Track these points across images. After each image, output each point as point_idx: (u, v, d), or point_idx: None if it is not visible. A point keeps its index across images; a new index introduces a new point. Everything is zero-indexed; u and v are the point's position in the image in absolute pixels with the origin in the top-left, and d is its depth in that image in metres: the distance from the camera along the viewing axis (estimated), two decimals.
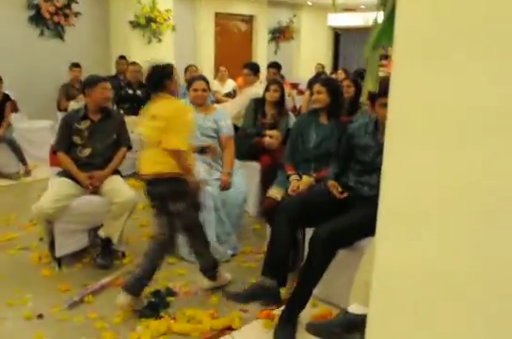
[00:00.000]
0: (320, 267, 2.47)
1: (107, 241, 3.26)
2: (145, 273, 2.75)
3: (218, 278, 3.01)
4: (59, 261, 3.27)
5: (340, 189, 2.76)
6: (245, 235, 3.62)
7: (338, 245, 2.50)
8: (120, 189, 3.29)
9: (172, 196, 2.76)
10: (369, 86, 1.14)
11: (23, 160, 5.59)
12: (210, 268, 2.96)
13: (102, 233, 3.26)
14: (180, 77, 6.91)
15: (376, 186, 1.07)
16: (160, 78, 2.77)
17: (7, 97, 5.69)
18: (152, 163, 2.76)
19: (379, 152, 2.10)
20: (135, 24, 7.77)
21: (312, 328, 2.24)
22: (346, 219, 2.59)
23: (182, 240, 3.37)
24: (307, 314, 2.58)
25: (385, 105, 1.97)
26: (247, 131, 4.19)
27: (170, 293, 2.91)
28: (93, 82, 3.38)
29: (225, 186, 3.42)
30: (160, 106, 2.76)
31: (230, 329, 2.58)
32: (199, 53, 9.69)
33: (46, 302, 2.84)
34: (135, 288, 2.71)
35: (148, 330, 2.54)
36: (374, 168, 2.62)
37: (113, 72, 7.21)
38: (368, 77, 1.14)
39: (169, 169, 2.71)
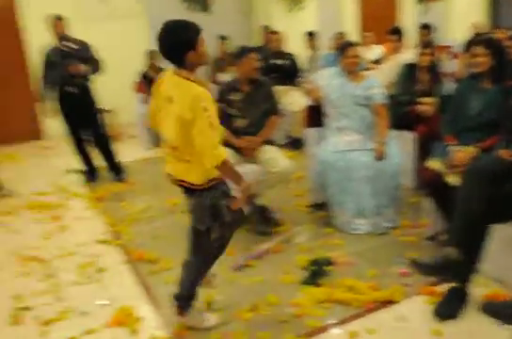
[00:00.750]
0: (483, 238, 2.33)
1: (264, 209, 3.40)
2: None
3: (192, 315, 2.44)
4: None
5: None
6: (402, 209, 3.52)
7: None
8: (277, 158, 3.38)
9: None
10: None
11: None
12: (184, 297, 2.42)
13: (259, 201, 3.40)
14: (321, 45, 6.83)
15: None
16: (178, 46, 2.04)
17: (161, 71, 6.11)
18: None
19: None
20: None
21: (487, 308, 2.13)
22: None
23: (337, 210, 3.40)
24: (477, 294, 2.47)
25: None
26: (399, 99, 4.03)
27: (329, 262, 2.96)
28: (242, 53, 3.45)
29: (379, 157, 3.34)
30: (178, 94, 2.08)
31: (390, 302, 2.56)
32: (342, 19, 9.42)
33: (215, 264, 3.05)
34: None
35: (308, 296, 2.63)
36: None
37: (256, 43, 7.31)
38: None
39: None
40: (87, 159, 4.95)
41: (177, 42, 2.00)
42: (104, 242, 3.49)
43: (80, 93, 4.65)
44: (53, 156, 5.86)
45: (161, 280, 2.90)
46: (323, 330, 2.39)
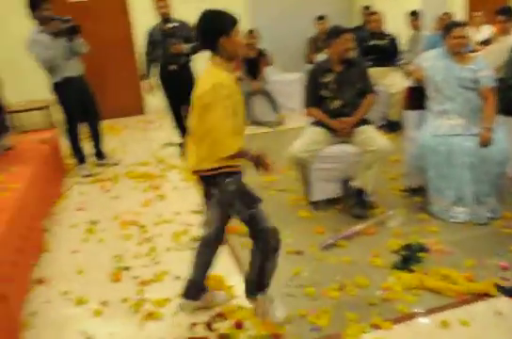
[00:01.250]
0: None
1: (360, 192, 3.34)
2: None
3: (262, 302, 2.36)
4: (315, 204, 3.51)
5: None
6: (505, 199, 3.31)
7: None
8: (374, 137, 3.30)
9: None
10: None
11: (276, 110, 6.04)
12: (254, 286, 2.36)
13: (354, 183, 3.35)
14: (424, 26, 6.48)
15: None
16: (210, 31, 2.03)
17: (262, 52, 6.15)
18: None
19: None
20: None
21: None
22: None
23: (434, 197, 3.27)
24: None
25: None
26: (508, 82, 3.75)
27: (422, 249, 2.87)
28: (336, 33, 3.38)
29: (484, 143, 3.15)
30: (202, 79, 2.11)
31: (486, 295, 2.44)
32: None
33: (304, 241, 3.09)
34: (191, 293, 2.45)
35: (399, 281, 2.58)
36: None
37: (356, 23, 7.11)
38: None
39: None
40: (184, 133, 5.13)
41: (210, 28, 2.02)
42: (198, 212, 3.62)
43: (181, 71, 4.82)
44: (153, 130, 6.15)
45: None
46: (412, 316, 2.33)
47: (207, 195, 2.29)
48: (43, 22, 4.30)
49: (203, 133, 2.07)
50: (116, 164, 4.99)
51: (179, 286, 2.67)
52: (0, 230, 2.54)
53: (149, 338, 2.29)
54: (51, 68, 4.40)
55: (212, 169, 2.12)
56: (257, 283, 2.33)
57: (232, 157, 2.07)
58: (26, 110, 6.00)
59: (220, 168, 2.11)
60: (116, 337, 2.32)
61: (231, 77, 2.05)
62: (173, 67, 4.81)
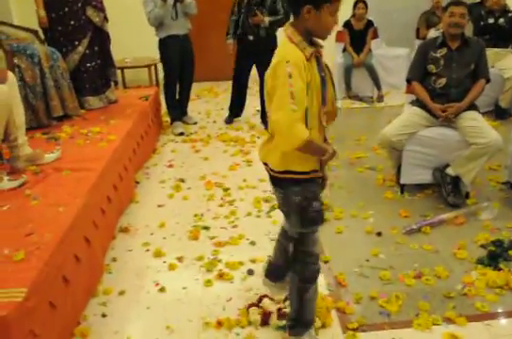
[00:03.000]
0: None
1: (458, 180, 3.14)
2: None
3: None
4: (402, 187, 3.36)
5: None
6: None
7: None
8: (483, 129, 3.04)
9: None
10: None
11: (378, 85, 5.80)
12: (294, 318, 2.02)
13: (451, 171, 3.15)
14: None
15: None
16: None
17: (370, 23, 5.87)
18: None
19: None
20: None
21: None
22: None
23: None
24: None
25: None
26: None
27: None
28: (446, 6, 3.19)
29: None
30: (274, 55, 1.72)
31: None
32: None
33: (386, 223, 2.98)
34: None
35: (484, 277, 2.42)
36: None
37: None
38: None
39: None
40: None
41: None
42: None
43: (259, 43, 4.64)
44: (250, 95, 6.13)
45: (331, 228, 2.93)
46: (491, 316, 2.19)
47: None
48: None
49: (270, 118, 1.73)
50: (195, 123, 5.13)
51: (253, 251, 2.72)
52: (94, 177, 2.69)
53: (217, 297, 2.35)
54: (158, 25, 4.58)
55: (277, 172, 1.78)
56: (299, 318, 2.00)
57: (301, 150, 1.67)
58: (132, 67, 6.25)
59: (288, 172, 1.76)
60: (186, 292, 2.41)
61: (301, 55, 1.64)
62: (251, 37, 4.71)
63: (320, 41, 1.74)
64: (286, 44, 1.68)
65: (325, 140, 1.87)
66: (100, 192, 2.73)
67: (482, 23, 5.21)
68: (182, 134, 4.81)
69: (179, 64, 4.78)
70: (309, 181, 1.79)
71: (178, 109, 5.03)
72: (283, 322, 2.09)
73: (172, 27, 4.60)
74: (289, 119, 1.61)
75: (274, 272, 2.27)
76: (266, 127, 1.87)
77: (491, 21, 5.28)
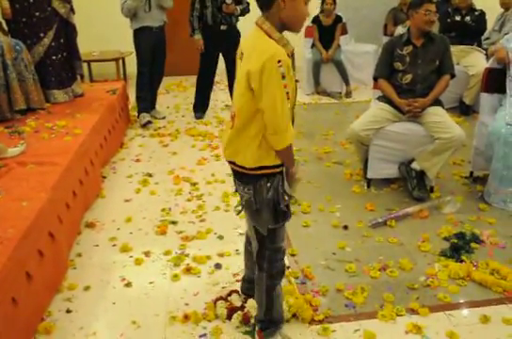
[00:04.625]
0: None
1: (422, 174, 3.20)
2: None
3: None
4: (369, 181, 3.42)
5: None
6: None
7: None
8: (447, 124, 3.11)
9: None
10: None
11: (346, 81, 5.85)
12: (264, 320, 2.02)
13: (416, 165, 3.21)
14: None
15: None
16: None
17: (339, 19, 5.90)
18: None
19: None
20: None
21: None
22: None
23: (497, 188, 3.09)
24: None
25: None
26: None
27: (476, 239, 2.74)
28: (418, 3, 3.19)
29: None
30: (251, 44, 1.67)
31: None
32: None
33: (352, 216, 3.03)
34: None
35: (446, 269, 2.48)
36: None
37: None
38: None
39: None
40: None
41: None
42: None
43: (231, 32, 4.82)
44: (218, 90, 6.12)
45: (298, 221, 2.95)
46: (453, 307, 2.25)
47: (237, 190, 1.91)
48: None
49: (249, 117, 1.67)
50: (163, 118, 5.11)
51: (221, 245, 2.72)
52: (59, 172, 2.65)
53: (184, 291, 2.34)
54: (132, 16, 4.58)
55: (250, 169, 1.73)
56: (270, 318, 2.00)
57: (282, 151, 1.68)
58: (99, 60, 6.14)
59: (262, 167, 1.73)
60: (153, 286, 2.39)
61: (285, 52, 1.59)
62: (224, 27, 4.80)
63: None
64: (266, 40, 1.60)
65: None
66: (65, 187, 2.68)
67: (449, 20, 5.29)
68: (149, 123, 4.78)
69: (152, 56, 4.77)
70: (279, 174, 1.77)
71: (148, 102, 4.98)
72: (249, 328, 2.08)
73: (145, 19, 4.60)
74: (287, 119, 1.63)
75: (253, 287, 2.07)
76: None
77: (458, 18, 5.34)
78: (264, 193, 1.75)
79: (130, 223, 2.99)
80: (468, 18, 5.27)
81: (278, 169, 1.76)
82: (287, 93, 1.59)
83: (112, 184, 3.57)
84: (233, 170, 1.83)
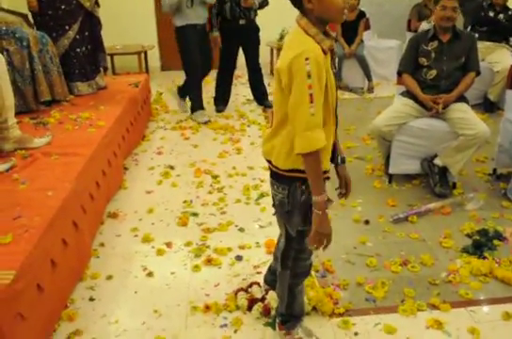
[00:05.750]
0: None
1: (444, 170, 3.17)
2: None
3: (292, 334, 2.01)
4: (391, 177, 3.39)
5: None
6: None
7: None
8: (472, 120, 3.06)
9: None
10: None
11: (368, 77, 5.81)
12: (285, 314, 2.01)
13: (439, 161, 3.18)
14: None
15: None
16: None
17: (362, 14, 5.85)
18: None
19: None
20: None
21: None
22: None
23: None
24: None
25: None
26: None
27: (498, 236, 2.71)
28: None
29: None
30: (286, 47, 1.59)
31: None
32: None
33: (373, 211, 3.01)
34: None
35: (468, 266, 2.46)
36: None
37: None
38: None
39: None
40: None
41: None
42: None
43: (250, 26, 4.81)
44: (240, 84, 6.13)
45: None
46: (474, 303, 2.23)
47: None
48: None
49: (282, 116, 1.61)
50: (186, 111, 5.08)
51: (241, 238, 2.73)
52: (82, 163, 2.68)
53: (205, 282, 2.36)
54: (174, 13, 4.49)
55: (283, 170, 1.67)
56: (291, 312, 1.99)
57: (307, 157, 1.54)
58: (122, 54, 6.19)
59: (295, 170, 1.64)
60: (174, 276, 2.42)
61: (319, 49, 1.51)
62: (243, 21, 4.76)
63: (333, 33, 1.62)
64: (301, 36, 1.53)
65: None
66: (88, 177, 2.72)
67: (482, 14, 5.20)
68: (208, 121, 4.73)
69: (199, 54, 4.65)
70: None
71: (201, 99, 4.93)
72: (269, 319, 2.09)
73: (190, 16, 4.47)
74: (307, 123, 1.49)
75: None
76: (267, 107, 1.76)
77: (491, 14, 5.23)
78: (298, 196, 1.68)
79: (152, 214, 3.02)
80: (501, 16, 5.16)
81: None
82: (310, 95, 1.47)
83: (134, 175, 3.60)
84: (270, 169, 1.77)
